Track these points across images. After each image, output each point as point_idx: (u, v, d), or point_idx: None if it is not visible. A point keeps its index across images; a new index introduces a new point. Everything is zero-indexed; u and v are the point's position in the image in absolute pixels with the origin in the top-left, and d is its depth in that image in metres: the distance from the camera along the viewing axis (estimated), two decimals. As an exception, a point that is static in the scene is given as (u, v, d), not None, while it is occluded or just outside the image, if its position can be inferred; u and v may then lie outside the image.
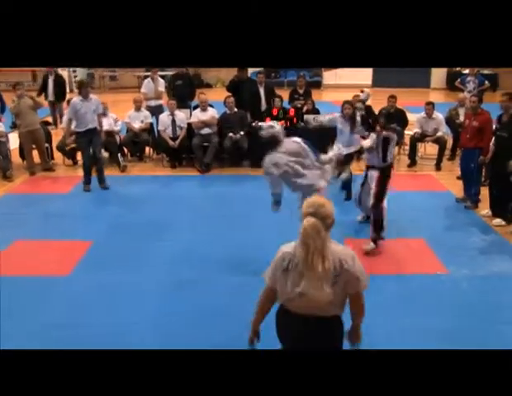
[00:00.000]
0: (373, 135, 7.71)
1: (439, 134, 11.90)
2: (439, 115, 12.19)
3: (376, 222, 7.72)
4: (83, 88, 10.17)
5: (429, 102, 12.48)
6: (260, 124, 9.04)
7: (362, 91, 10.20)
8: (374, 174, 7.83)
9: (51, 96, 15.13)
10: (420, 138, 12.02)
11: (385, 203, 7.77)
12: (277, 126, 7.09)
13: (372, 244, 7.73)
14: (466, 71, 15.54)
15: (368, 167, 8.06)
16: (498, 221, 8.62)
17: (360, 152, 9.27)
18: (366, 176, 8.17)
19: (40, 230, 8.44)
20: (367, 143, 7.82)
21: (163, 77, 14.15)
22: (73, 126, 10.47)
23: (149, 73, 13.94)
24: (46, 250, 7.73)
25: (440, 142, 11.93)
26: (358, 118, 9.35)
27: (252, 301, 3.97)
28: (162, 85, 13.18)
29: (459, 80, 14.80)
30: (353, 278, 3.59)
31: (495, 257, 7.53)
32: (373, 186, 7.80)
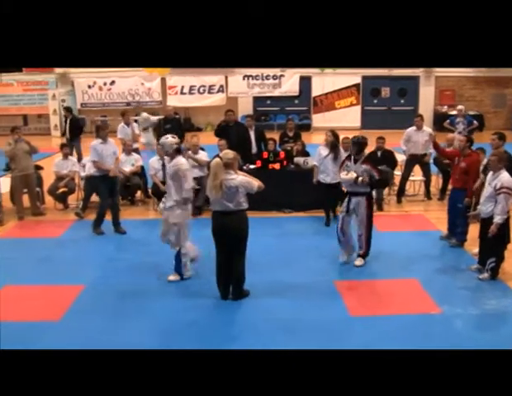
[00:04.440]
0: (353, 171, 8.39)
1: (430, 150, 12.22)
2: (429, 129, 12.60)
3: (369, 239, 8.52)
4: (101, 131, 10.13)
5: (418, 115, 12.97)
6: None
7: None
8: (361, 200, 8.40)
9: (68, 136, 16.23)
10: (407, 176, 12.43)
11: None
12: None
13: (363, 260, 8.56)
14: (454, 112, 15.77)
15: (351, 194, 8.50)
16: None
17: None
18: (348, 203, 8.55)
19: (31, 275, 8.36)
20: (346, 177, 8.44)
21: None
22: (92, 171, 10.40)
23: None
24: (36, 295, 7.64)
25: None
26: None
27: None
28: (137, 128, 13.45)
29: (448, 121, 15.00)
30: (246, 187, 6.98)
31: (488, 295, 7.52)
32: (363, 210, 8.43)
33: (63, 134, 17.04)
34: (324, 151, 10.52)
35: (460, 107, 15.09)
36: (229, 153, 7.13)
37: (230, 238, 7.15)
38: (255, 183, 7.11)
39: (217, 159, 7.10)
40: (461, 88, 24.96)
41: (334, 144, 10.38)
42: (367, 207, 8.44)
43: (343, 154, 9.96)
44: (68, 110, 17.31)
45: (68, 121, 16.56)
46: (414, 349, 4.79)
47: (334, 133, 10.49)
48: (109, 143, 10.05)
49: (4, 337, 6.38)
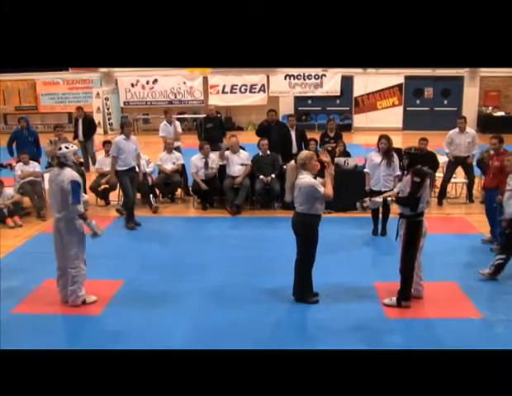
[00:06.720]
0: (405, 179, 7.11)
1: (474, 151, 12.06)
2: (472, 130, 12.45)
3: (405, 274, 7.08)
4: (126, 127, 10.47)
5: (461, 117, 12.81)
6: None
7: None
8: (403, 227, 7.08)
9: (81, 137, 15.64)
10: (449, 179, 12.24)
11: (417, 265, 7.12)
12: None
13: (394, 300, 7.18)
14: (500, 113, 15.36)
15: (401, 215, 7.18)
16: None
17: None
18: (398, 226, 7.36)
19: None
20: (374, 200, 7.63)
21: (195, 119, 14.54)
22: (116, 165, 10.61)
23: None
24: (78, 289, 7.76)
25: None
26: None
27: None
28: (179, 126, 13.59)
29: None
30: (308, 190, 6.86)
31: (532, 302, 7.36)
32: (401, 241, 7.08)
33: (75, 137, 15.46)
34: (377, 157, 9.89)
35: None
36: (301, 154, 7.22)
37: (296, 236, 7.27)
38: (321, 189, 6.88)
39: (292, 162, 7.29)
40: (507, 89, 24.43)
41: (388, 151, 9.78)
42: (405, 233, 6.99)
43: (397, 162, 9.51)
44: (80, 109, 16.42)
45: (80, 121, 15.70)
46: (451, 349, 4.73)
47: (388, 139, 9.83)
48: (131, 140, 10.41)
49: (47, 330, 6.53)
